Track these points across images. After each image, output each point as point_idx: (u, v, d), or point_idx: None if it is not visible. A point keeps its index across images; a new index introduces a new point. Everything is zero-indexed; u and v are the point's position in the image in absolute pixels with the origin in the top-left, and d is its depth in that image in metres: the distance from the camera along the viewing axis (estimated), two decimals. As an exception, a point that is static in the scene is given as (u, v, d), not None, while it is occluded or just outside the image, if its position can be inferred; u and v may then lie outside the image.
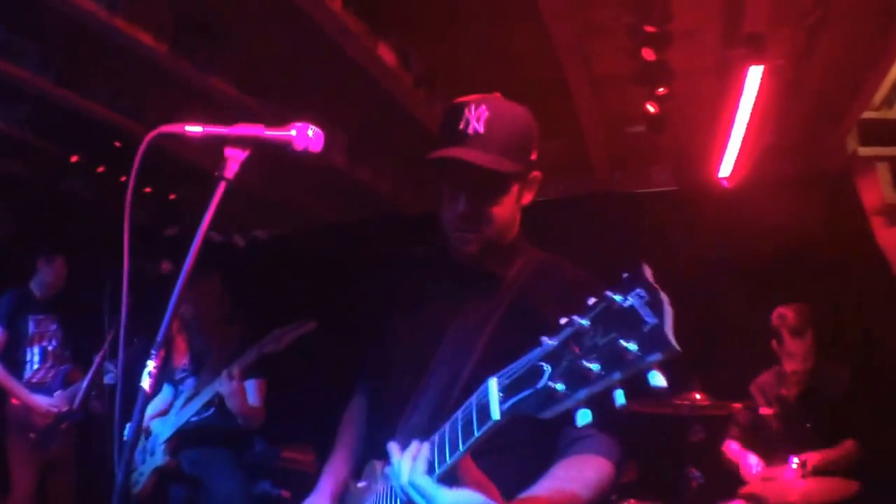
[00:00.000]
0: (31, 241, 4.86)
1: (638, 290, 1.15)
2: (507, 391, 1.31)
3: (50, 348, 4.63)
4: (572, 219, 5.29)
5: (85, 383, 4.51)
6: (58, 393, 4.55)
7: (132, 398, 1.49)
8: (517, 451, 1.70)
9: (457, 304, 1.90)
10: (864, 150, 3.53)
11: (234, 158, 1.63)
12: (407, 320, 2.04)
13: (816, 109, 4.18)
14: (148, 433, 4.15)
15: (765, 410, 3.92)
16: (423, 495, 1.44)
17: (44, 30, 3.71)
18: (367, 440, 2.05)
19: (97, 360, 4.44)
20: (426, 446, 1.50)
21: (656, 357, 1.10)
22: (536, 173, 1.90)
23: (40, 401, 4.48)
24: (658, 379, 1.11)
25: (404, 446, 1.59)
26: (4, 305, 4.49)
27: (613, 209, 5.23)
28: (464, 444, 1.39)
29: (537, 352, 1.26)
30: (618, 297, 1.16)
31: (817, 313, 3.97)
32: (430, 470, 1.47)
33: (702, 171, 4.68)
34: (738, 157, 4.28)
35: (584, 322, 1.19)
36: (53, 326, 4.68)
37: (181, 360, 4.33)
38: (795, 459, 3.38)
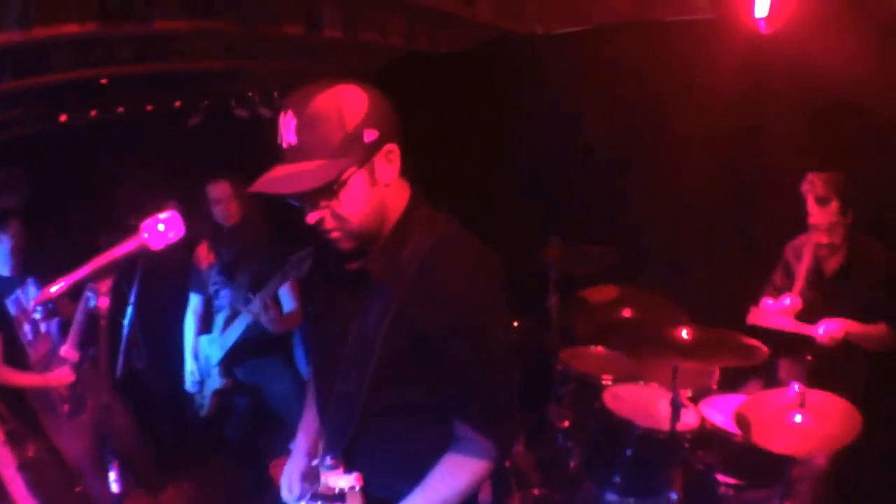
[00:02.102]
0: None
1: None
2: None
3: (38, 317, 4.29)
4: (595, 51, 4.90)
5: (123, 346, 4.33)
6: (64, 348, 4.21)
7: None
8: (419, 432, 1.96)
9: (357, 302, 1.94)
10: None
11: (103, 291, 1.69)
12: (321, 309, 2.17)
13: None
14: (197, 353, 4.45)
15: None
16: None
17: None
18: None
19: (127, 322, 4.25)
20: None
21: None
22: (388, 146, 1.79)
23: (55, 375, 4.21)
24: None
25: (327, 444, 2.05)
26: None
27: (639, 40, 4.72)
28: None
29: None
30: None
31: (852, 184, 3.64)
32: None
33: (741, 7, 4.14)
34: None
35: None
36: (31, 290, 4.33)
37: (208, 269, 4.45)
38: (796, 386, 3.03)
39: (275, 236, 4.34)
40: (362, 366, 1.88)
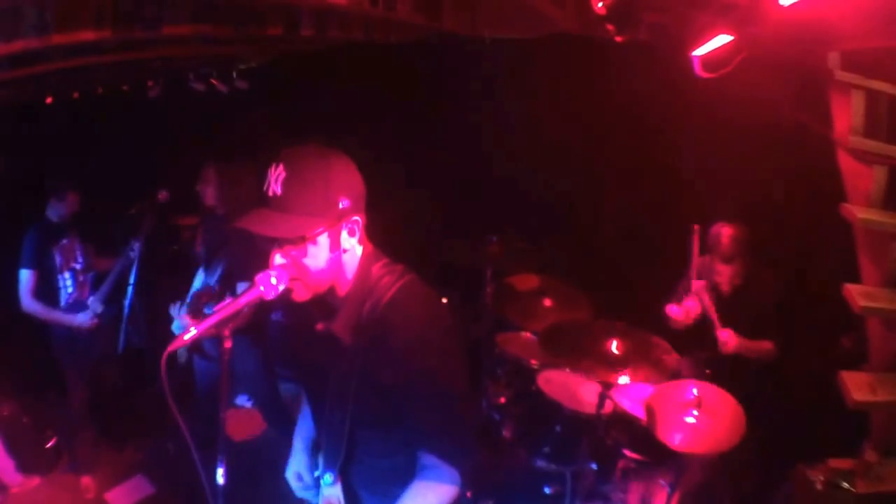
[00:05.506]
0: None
1: None
2: None
3: (78, 267, 4.80)
4: (531, 62, 5.39)
5: (124, 324, 4.86)
6: (91, 299, 4.77)
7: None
8: (402, 452, 2.21)
9: (331, 352, 2.19)
10: (842, 75, 2.91)
11: (226, 335, 1.97)
12: (302, 359, 2.41)
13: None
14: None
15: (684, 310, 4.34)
16: None
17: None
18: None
19: (127, 302, 4.81)
20: None
21: None
22: (356, 216, 2.05)
23: (81, 319, 4.72)
24: None
25: (325, 462, 2.30)
26: (30, 246, 4.60)
27: (574, 55, 5.04)
28: None
29: None
30: None
31: (756, 230, 4.19)
32: None
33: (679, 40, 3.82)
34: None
35: None
36: (76, 246, 4.81)
37: (198, 248, 4.85)
38: (694, 390, 3.61)
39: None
40: (342, 409, 2.18)
